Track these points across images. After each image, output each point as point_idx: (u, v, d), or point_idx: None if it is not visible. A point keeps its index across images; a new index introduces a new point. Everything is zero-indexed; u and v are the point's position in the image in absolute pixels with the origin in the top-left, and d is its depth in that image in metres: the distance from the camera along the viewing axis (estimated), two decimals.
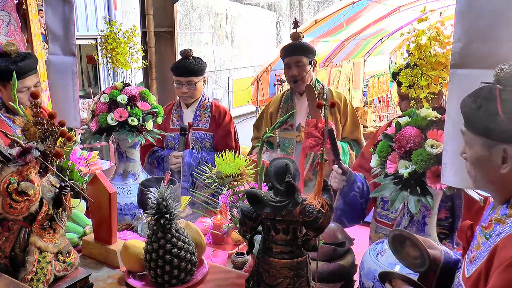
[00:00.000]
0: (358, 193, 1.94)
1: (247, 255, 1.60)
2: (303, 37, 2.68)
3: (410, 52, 1.80)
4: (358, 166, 2.12)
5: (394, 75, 1.95)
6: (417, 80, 1.44)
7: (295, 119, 2.71)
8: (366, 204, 2.00)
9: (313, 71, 2.69)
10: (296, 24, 2.68)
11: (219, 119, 2.68)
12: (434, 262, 1.18)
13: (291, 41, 2.68)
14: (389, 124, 2.08)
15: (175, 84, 2.66)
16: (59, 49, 2.09)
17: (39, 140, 1.27)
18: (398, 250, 1.24)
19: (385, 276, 1.24)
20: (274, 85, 4.96)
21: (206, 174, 1.57)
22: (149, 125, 2.20)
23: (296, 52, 2.60)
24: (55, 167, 1.37)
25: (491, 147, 1.00)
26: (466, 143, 1.08)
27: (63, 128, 1.31)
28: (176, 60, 2.84)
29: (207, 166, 1.59)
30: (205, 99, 2.74)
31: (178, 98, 2.80)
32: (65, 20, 2.06)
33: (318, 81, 2.77)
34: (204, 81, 2.70)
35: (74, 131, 2.09)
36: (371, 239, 2.12)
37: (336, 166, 1.85)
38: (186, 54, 2.62)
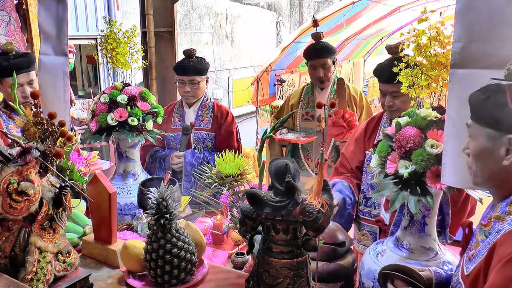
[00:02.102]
0: (351, 208, 1.98)
1: (247, 255, 1.60)
2: (323, 37, 2.86)
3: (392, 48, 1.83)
4: (340, 166, 2.15)
5: (376, 71, 1.98)
6: (417, 80, 1.44)
7: (316, 111, 2.94)
8: (354, 210, 2.04)
9: (335, 68, 2.89)
10: (315, 22, 2.90)
11: (221, 119, 2.68)
12: (427, 281, 1.20)
13: (313, 40, 2.85)
14: (366, 124, 2.12)
15: (177, 83, 2.66)
16: (51, 49, 2.05)
17: (39, 140, 1.27)
18: None
19: (386, 276, 1.24)
20: (274, 85, 4.95)
21: (206, 174, 1.57)
22: (149, 125, 2.20)
23: (323, 55, 2.78)
24: (55, 167, 1.37)
25: (495, 138, 1.01)
26: (471, 135, 1.09)
27: (63, 128, 1.31)
28: (178, 60, 2.85)
29: (208, 166, 1.59)
30: (207, 99, 2.74)
31: (180, 98, 2.80)
32: (58, 19, 2.03)
33: (336, 76, 2.95)
34: (207, 81, 2.70)
35: (74, 131, 2.09)
36: (355, 238, 2.13)
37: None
38: (189, 53, 2.63)
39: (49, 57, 2.06)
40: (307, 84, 3.06)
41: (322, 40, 2.85)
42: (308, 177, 2.94)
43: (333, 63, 2.86)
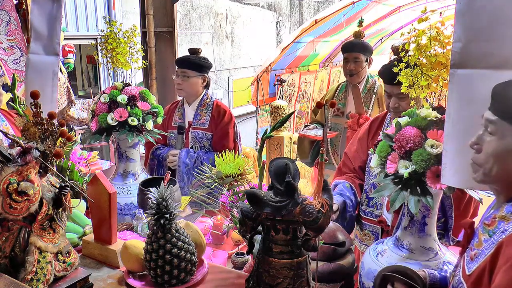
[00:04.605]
0: (352, 210, 1.97)
1: (247, 255, 1.60)
2: (364, 36, 3.07)
3: (398, 49, 1.83)
4: (342, 165, 2.16)
5: (381, 72, 1.97)
6: (417, 80, 1.44)
7: (346, 107, 3.10)
8: (356, 211, 2.04)
9: (368, 68, 3.08)
10: (360, 23, 3.13)
11: (218, 119, 2.66)
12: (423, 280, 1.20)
13: (353, 38, 3.07)
14: (370, 124, 2.11)
15: (174, 77, 2.67)
16: (41, 49, 2.00)
17: (39, 140, 1.27)
18: None
19: (387, 279, 1.24)
20: (274, 85, 4.95)
21: (206, 174, 1.57)
22: (149, 125, 2.20)
23: (355, 49, 2.97)
24: (55, 167, 1.37)
25: None
26: (493, 133, 1.02)
27: (63, 128, 1.31)
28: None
29: (207, 166, 1.59)
30: (207, 98, 2.71)
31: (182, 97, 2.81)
32: (52, 18, 1.98)
33: (371, 76, 3.12)
34: (204, 81, 2.68)
35: (74, 131, 2.08)
36: (357, 237, 2.13)
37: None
38: (193, 50, 2.67)
39: (39, 56, 2.01)
40: (343, 82, 3.23)
41: (361, 39, 3.04)
42: (333, 171, 3.02)
43: (367, 61, 3.01)
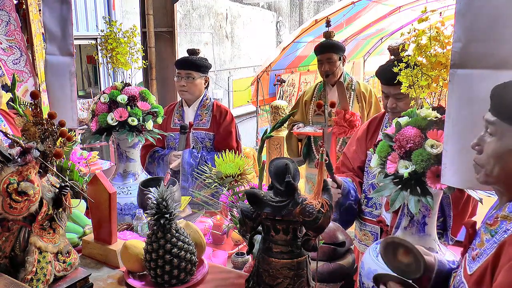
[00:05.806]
0: (353, 201, 1.96)
1: (247, 255, 1.60)
2: (334, 35, 3.14)
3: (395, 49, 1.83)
4: (341, 165, 2.16)
5: (378, 72, 1.97)
6: (417, 80, 1.44)
7: (327, 106, 3.06)
8: (357, 205, 2.03)
9: (343, 65, 3.15)
10: (328, 23, 3.18)
11: (220, 119, 2.69)
12: (428, 268, 1.18)
13: (324, 38, 3.13)
14: (368, 124, 2.11)
15: (175, 78, 2.67)
16: (56, 49, 2.08)
17: (39, 140, 1.27)
18: (390, 258, 1.22)
19: (379, 279, 1.24)
20: (274, 85, 4.96)
21: (206, 174, 1.57)
22: (149, 125, 2.20)
23: (328, 50, 3.06)
24: (55, 167, 1.37)
25: None
26: (493, 133, 1.03)
27: (63, 128, 1.31)
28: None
29: (207, 166, 1.59)
30: (206, 99, 2.74)
31: (180, 98, 2.81)
32: (63, 20, 2.05)
33: (347, 74, 3.22)
34: (206, 81, 2.71)
35: (74, 131, 2.08)
36: (356, 237, 2.13)
37: (331, 180, 1.82)
38: (192, 51, 2.68)
39: (56, 57, 2.09)
40: (320, 81, 3.31)
41: (332, 39, 3.10)
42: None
43: (340, 59, 3.08)
